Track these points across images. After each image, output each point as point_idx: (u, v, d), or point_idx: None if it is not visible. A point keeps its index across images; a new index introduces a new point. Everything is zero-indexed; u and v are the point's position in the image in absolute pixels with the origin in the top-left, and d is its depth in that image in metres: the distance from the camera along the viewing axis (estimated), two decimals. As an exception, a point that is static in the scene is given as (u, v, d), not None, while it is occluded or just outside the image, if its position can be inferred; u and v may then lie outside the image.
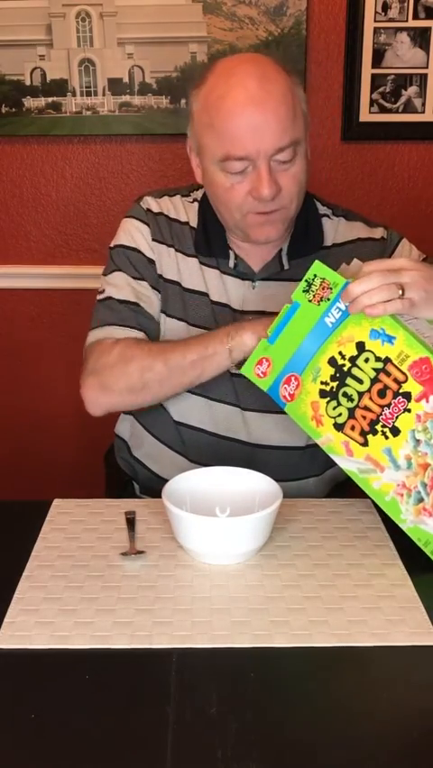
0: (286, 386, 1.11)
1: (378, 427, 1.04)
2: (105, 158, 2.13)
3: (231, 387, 1.32)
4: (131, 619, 0.96)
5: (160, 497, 1.11)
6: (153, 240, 1.36)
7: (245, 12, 1.98)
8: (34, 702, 0.85)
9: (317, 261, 1.07)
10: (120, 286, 1.35)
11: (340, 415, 1.07)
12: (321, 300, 1.06)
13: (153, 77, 2.04)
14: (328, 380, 1.07)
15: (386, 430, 1.04)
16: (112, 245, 1.40)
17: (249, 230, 1.27)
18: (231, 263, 1.34)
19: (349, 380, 1.06)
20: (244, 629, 0.95)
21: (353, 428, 1.06)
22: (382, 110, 2.05)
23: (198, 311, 1.34)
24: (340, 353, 1.06)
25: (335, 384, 1.07)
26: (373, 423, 1.05)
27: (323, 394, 1.08)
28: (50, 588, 1.03)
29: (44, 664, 0.90)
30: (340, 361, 1.06)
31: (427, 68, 2.02)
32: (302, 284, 1.07)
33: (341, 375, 1.06)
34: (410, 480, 1.04)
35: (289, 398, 1.11)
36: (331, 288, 1.05)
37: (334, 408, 1.07)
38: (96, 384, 1.30)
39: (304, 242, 1.34)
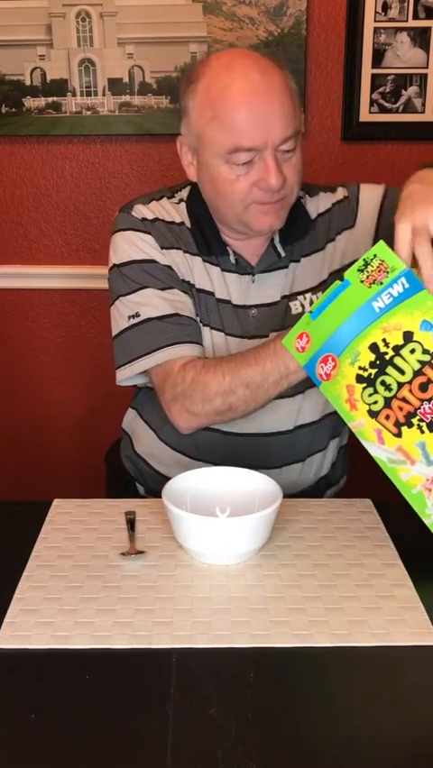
0: (323, 365, 1.08)
1: (414, 420, 1.03)
2: (105, 158, 2.13)
3: None
4: (131, 619, 0.96)
5: (160, 496, 1.11)
6: (162, 248, 1.33)
7: (245, 12, 1.98)
8: (34, 702, 0.85)
9: (381, 242, 1.04)
10: (154, 303, 1.31)
11: (376, 402, 1.05)
12: (373, 283, 1.03)
13: (153, 77, 2.04)
14: (367, 366, 1.05)
15: (423, 425, 1.02)
16: (119, 262, 1.34)
17: (252, 220, 1.27)
18: (232, 259, 1.34)
19: (390, 369, 1.04)
20: (244, 629, 0.95)
21: (387, 417, 1.05)
22: (382, 110, 2.05)
23: (207, 310, 1.34)
24: (384, 341, 1.04)
25: (373, 371, 1.05)
26: (409, 415, 1.03)
27: (360, 379, 1.06)
28: (50, 588, 1.03)
29: (44, 664, 0.90)
30: (382, 349, 1.04)
31: (427, 68, 2.02)
32: (359, 262, 1.04)
33: (381, 363, 1.04)
34: None
35: (325, 378, 1.09)
36: (387, 273, 1.02)
37: (370, 395, 1.05)
38: (183, 411, 1.28)
39: (292, 227, 1.34)
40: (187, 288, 1.34)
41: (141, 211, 1.35)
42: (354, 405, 1.07)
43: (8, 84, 2.05)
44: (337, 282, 1.06)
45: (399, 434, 1.04)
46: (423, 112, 2.05)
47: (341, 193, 1.40)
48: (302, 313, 1.31)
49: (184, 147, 1.30)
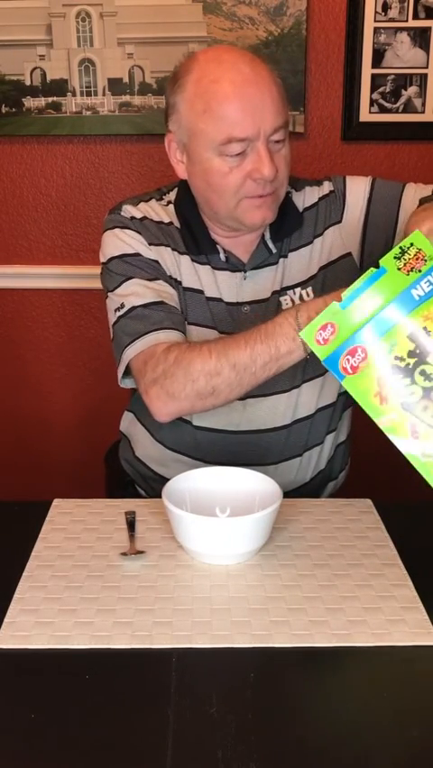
0: (349, 357, 1.02)
1: None
2: (105, 158, 2.13)
3: None
4: (131, 619, 0.96)
5: (160, 496, 1.11)
6: (150, 244, 1.33)
7: (245, 12, 1.98)
8: (34, 702, 0.85)
9: (417, 231, 1.02)
10: (138, 292, 1.30)
11: (413, 393, 1.01)
12: (411, 270, 1.01)
13: (153, 77, 2.04)
14: (405, 356, 1.01)
15: None
16: (106, 259, 1.36)
17: (244, 215, 1.27)
18: (222, 257, 1.34)
19: (431, 358, 1.01)
20: (244, 629, 0.95)
21: (425, 409, 1.01)
22: (382, 110, 2.05)
23: (195, 309, 1.34)
24: (425, 329, 1.01)
25: (412, 360, 1.01)
26: None
27: (396, 370, 1.02)
28: (50, 588, 1.03)
29: (44, 664, 0.90)
30: (424, 337, 1.01)
31: (427, 68, 2.02)
32: (395, 250, 1.01)
33: (422, 351, 1.01)
34: None
35: (350, 371, 1.02)
36: (425, 261, 1.00)
37: (406, 386, 1.01)
38: (162, 393, 1.23)
39: (283, 222, 1.35)
40: (173, 283, 1.34)
41: (129, 210, 1.36)
42: (384, 398, 1.02)
43: (8, 84, 2.05)
44: (372, 270, 1.02)
45: None
46: (423, 112, 2.05)
47: (327, 187, 1.41)
48: None
49: (173, 144, 1.31)
